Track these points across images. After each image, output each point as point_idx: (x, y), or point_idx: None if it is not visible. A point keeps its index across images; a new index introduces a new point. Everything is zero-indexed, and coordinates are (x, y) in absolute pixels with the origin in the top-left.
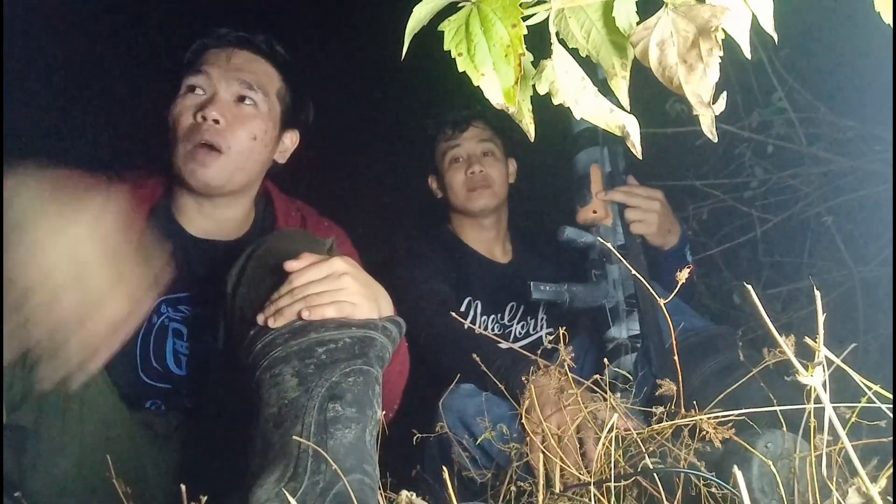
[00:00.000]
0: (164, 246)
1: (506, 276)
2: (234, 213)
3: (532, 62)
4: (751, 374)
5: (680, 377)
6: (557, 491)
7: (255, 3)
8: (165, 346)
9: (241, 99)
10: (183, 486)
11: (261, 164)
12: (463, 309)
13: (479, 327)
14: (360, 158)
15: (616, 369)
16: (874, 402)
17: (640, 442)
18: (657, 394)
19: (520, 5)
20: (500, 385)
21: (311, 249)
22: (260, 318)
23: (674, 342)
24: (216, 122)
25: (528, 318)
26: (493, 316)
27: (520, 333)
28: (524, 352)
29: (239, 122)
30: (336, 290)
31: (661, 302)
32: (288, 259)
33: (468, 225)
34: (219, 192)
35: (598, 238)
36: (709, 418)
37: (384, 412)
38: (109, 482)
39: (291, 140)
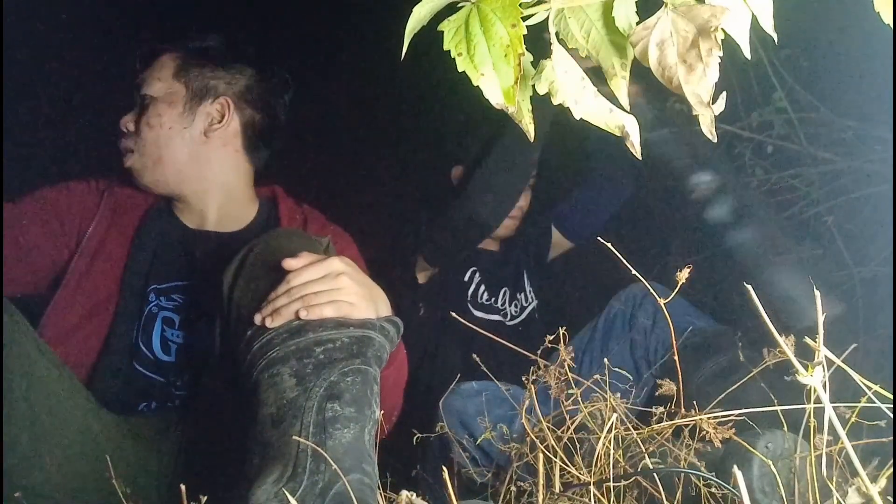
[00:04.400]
0: (159, 238)
1: (498, 262)
2: (227, 209)
3: (532, 62)
4: (751, 374)
5: (680, 377)
6: (557, 491)
7: (257, 4)
8: (153, 332)
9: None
10: (183, 487)
11: (185, 146)
12: (466, 279)
13: (480, 299)
14: (362, 161)
15: (616, 369)
16: (874, 402)
17: (640, 442)
18: (657, 394)
19: (519, 5)
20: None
21: (308, 248)
22: (257, 318)
23: (673, 342)
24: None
25: (518, 294)
26: (491, 299)
27: (514, 312)
28: (524, 352)
29: (139, 122)
30: (334, 289)
31: (662, 302)
32: (285, 258)
33: None
34: (160, 190)
35: None
36: (709, 418)
37: (382, 415)
38: (101, 485)
39: (218, 110)
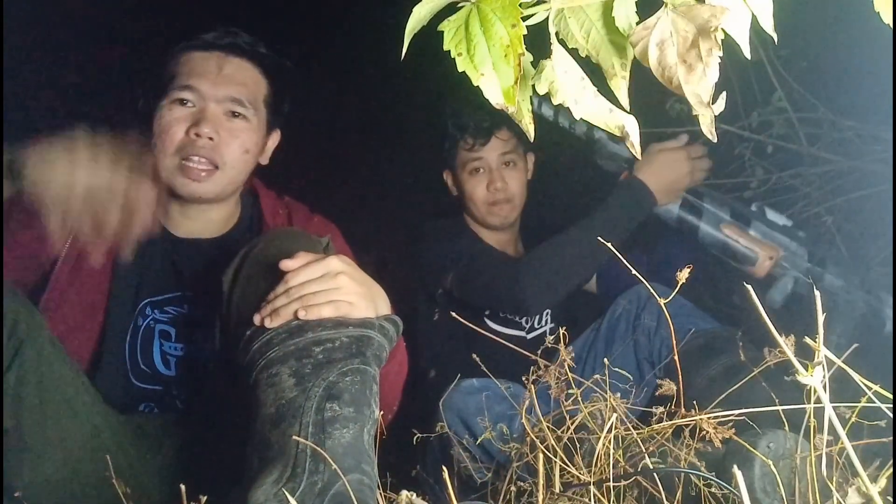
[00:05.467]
0: (145, 247)
1: None
2: (219, 213)
3: (532, 62)
4: (752, 374)
5: (680, 377)
6: (557, 491)
7: (254, 1)
8: (152, 347)
9: (233, 113)
10: (182, 487)
11: (249, 172)
12: None
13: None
14: (360, 157)
15: (617, 370)
16: (874, 402)
17: (640, 442)
18: (658, 394)
19: (519, 5)
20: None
21: (308, 248)
22: (256, 318)
23: (673, 342)
24: (210, 139)
25: None
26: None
27: (524, 328)
28: (524, 351)
29: (231, 137)
30: (332, 289)
31: (662, 301)
32: (284, 258)
33: (483, 228)
34: (208, 201)
35: None
36: (709, 418)
37: (382, 413)
38: (101, 484)
39: (273, 140)
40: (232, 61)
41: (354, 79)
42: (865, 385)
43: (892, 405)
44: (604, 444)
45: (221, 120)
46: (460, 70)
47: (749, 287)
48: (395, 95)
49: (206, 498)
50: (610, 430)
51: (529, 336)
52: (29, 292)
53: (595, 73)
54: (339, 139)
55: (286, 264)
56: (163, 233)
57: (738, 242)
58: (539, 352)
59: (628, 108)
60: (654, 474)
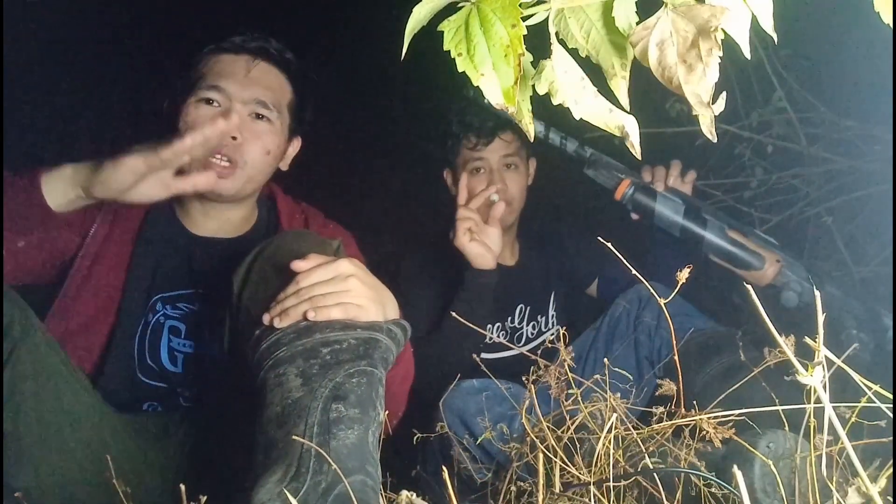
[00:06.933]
0: (162, 244)
1: (514, 278)
2: (237, 213)
3: (532, 62)
4: (752, 374)
5: (680, 377)
6: (557, 491)
7: (258, 3)
8: (160, 343)
9: (257, 115)
10: (182, 486)
11: (269, 174)
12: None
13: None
14: (365, 160)
15: (617, 369)
16: (874, 402)
17: (640, 442)
18: (658, 393)
19: (519, 5)
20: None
21: (319, 250)
22: (266, 318)
23: (673, 342)
24: (234, 138)
25: (539, 317)
26: (497, 324)
27: (531, 334)
28: (528, 353)
29: (254, 138)
30: (342, 291)
31: (662, 301)
32: (295, 259)
33: None
34: (227, 200)
35: None
36: (709, 418)
37: (387, 414)
38: (103, 484)
39: (294, 147)
40: (260, 65)
41: (358, 82)
42: (865, 385)
43: (892, 405)
44: (604, 444)
45: (246, 121)
46: (460, 70)
47: (749, 287)
48: (401, 99)
49: (205, 498)
50: (610, 430)
51: (523, 346)
52: (48, 286)
53: (595, 73)
54: (350, 146)
55: (297, 265)
56: (181, 230)
57: (744, 247)
58: (539, 352)
59: (628, 108)
60: (654, 474)
